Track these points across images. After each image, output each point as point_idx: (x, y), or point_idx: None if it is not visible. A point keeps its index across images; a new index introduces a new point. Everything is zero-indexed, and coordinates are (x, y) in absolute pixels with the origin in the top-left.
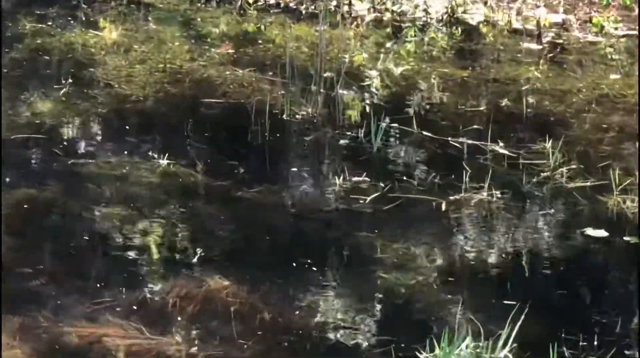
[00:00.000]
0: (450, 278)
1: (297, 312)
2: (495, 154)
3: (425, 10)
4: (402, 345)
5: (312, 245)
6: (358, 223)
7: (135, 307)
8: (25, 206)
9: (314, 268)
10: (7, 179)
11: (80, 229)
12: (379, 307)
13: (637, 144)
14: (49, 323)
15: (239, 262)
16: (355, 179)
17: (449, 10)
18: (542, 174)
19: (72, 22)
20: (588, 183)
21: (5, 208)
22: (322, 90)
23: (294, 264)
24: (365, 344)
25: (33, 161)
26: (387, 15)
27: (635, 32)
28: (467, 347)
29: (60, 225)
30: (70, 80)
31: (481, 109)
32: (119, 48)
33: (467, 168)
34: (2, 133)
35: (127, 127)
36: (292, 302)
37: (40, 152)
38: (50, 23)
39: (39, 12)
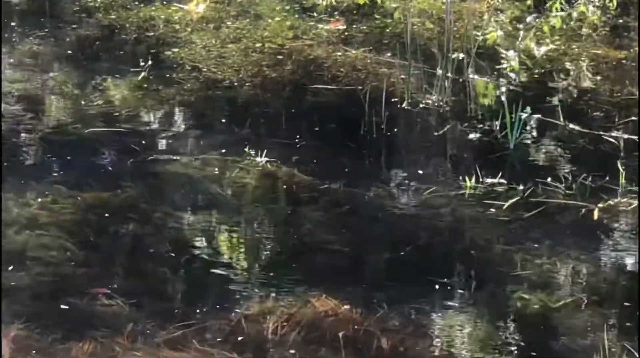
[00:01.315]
0: (602, 300)
1: (420, 340)
2: None
3: None
4: None
5: (438, 259)
6: (493, 234)
7: (227, 331)
8: (99, 212)
9: (440, 287)
10: (78, 180)
11: (162, 240)
12: (518, 333)
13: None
14: (126, 350)
15: (350, 279)
16: (490, 180)
17: None
18: None
19: None
20: None
21: (76, 215)
22: (449, 74)
23: (416, 281)
24: None
25: (107, 159)
26: None
27: None
28: None
29: (140, 235)
30: (150, 63)
31: None
32: (208, 24)
33: (623, 168)
34: (71, 125)
35: (218, 118)
36: (414, 327)
37: (116, 148)
38: None
39: None
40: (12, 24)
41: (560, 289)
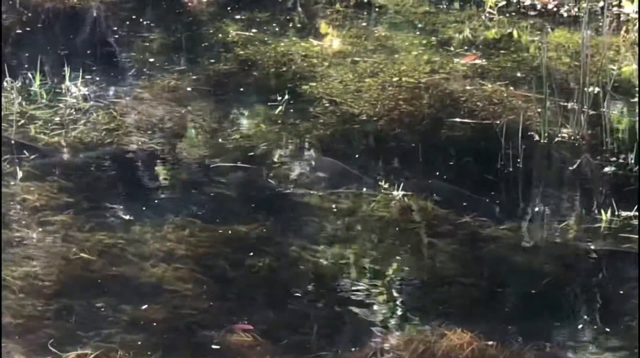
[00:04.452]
0: None
1: None
2: None
3: None
4: None
5: (573, 293)
6: (630, 268)
7: None
8: (235, 246)
9: (575, 321)
10: (214, 214)
11: (296, 274)
12: None
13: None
14: None
15: (485, 312)
16: (625, 213)
17: None
18: None
19: (287, 28)
20: None
21: (212, 249)
22: (585, 108)
23: (551, 315)
24: None
25: (242, 192)
26: None
27: None
28: None
29: (274, 269)
30: (286, 97)
31: None
32: (345, 58)
33: None
34: (208, 158)
35: (355, 152)
36: None
37: (252, 181)
38: (261, 30)
39: (247, 18)
40: (151, 59)
41: None
